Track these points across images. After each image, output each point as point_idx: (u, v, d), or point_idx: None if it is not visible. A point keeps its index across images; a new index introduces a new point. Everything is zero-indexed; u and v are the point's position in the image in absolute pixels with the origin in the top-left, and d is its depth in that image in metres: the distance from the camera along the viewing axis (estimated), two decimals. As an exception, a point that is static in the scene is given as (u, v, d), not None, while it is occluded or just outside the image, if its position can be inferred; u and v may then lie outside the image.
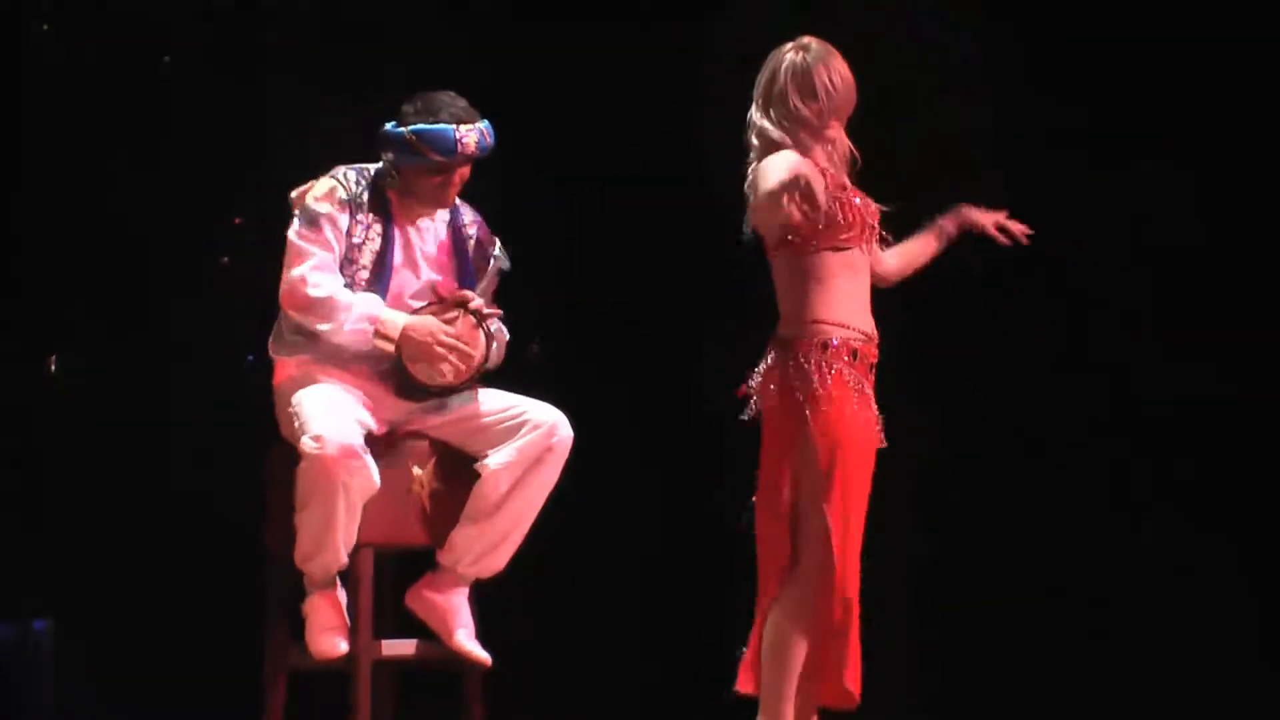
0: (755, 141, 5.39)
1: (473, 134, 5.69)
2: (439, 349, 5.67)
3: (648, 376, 7.53)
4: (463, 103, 5.72)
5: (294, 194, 5.75)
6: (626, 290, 7.56)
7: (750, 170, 5.34)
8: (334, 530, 5.52)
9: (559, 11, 7.49)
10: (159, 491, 7.14)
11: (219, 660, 6.80)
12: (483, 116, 5.73)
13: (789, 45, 5.42)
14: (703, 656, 7.40)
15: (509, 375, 5.94)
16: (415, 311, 5.72)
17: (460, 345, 5.69)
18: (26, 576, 6.84)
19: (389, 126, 5.72)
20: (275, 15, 7.31)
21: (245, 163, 7.05)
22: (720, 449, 7.45)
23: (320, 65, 7.27)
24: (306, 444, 5.49)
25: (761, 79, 5.41)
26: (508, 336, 5.94)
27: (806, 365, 5.28)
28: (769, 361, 5.36)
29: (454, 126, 5.67)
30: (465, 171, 5.76)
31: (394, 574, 5.92)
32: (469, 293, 5.78)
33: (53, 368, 7.11)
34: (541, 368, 7.06)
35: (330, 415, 5.52)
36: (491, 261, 5.94)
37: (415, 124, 5.67)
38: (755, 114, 5.39)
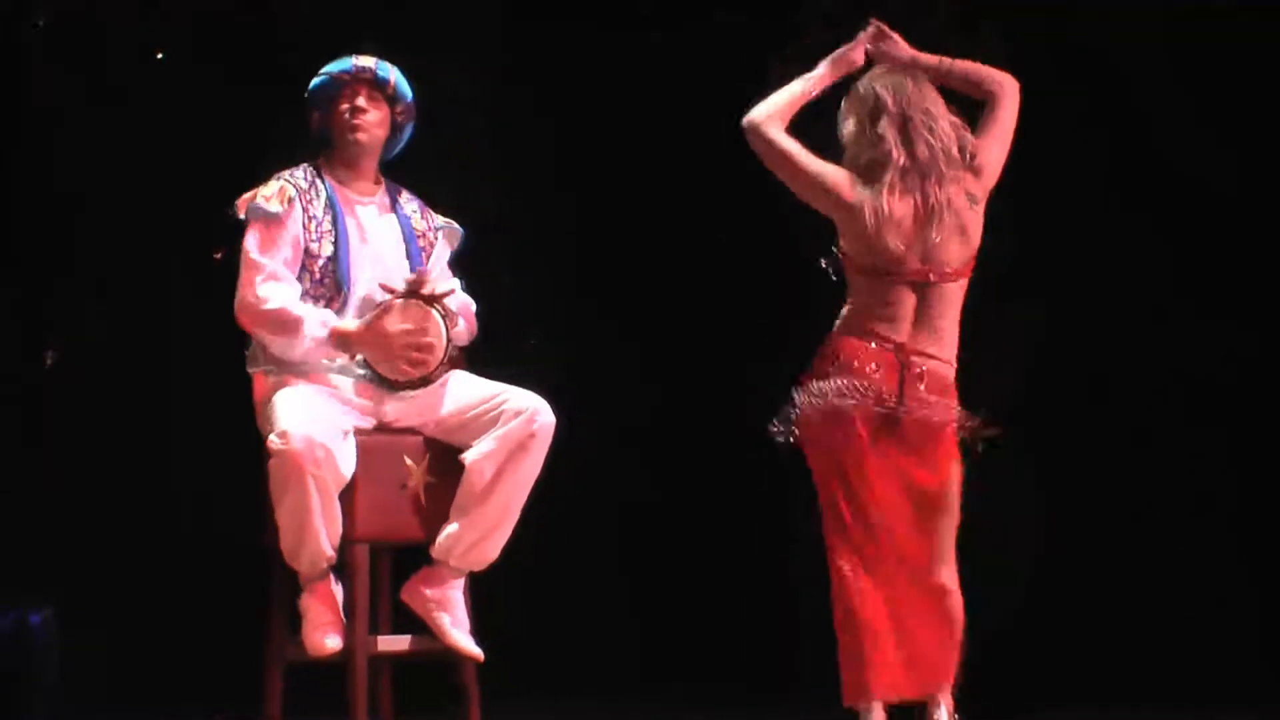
0: None
1: (369, 59, 5.82)
2: (396, 350, 5.68)
3: (643, 366, 7.55)
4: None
5: (239, 200, 5.77)
6: (627, 284, 7.59)
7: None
8: (311, 524, 5.53)
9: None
10: (161, 488, 7.17)
11: (220, 654, 6.83)
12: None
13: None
14: (695, 644, 7.50)
15: (504, 368, 5.95)
16: (369, 312, 5.72)
17: (415, 340, 5.69)
18: (26, 569, 6.86)
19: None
20: (272, 9, 7.32)
21: (241, 156, 7.05)
22: (714, 441, 7.54)
23: (315, 59, 7.26)
24: (272, 440, 5.53)
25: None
26: (474, 306, 5.95)
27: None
28: (942, 390, 5.36)
29: (352, 56, 5.82)
30: (376, 107, 5.81)
31: (393, 569, 5.94)
32: (416, 278, 5.76)
33: (49, 362, 7.12)
34: (538, 360, 7.06)
35: (298, 412, 5.54)
36: (439, 235, 5.95)
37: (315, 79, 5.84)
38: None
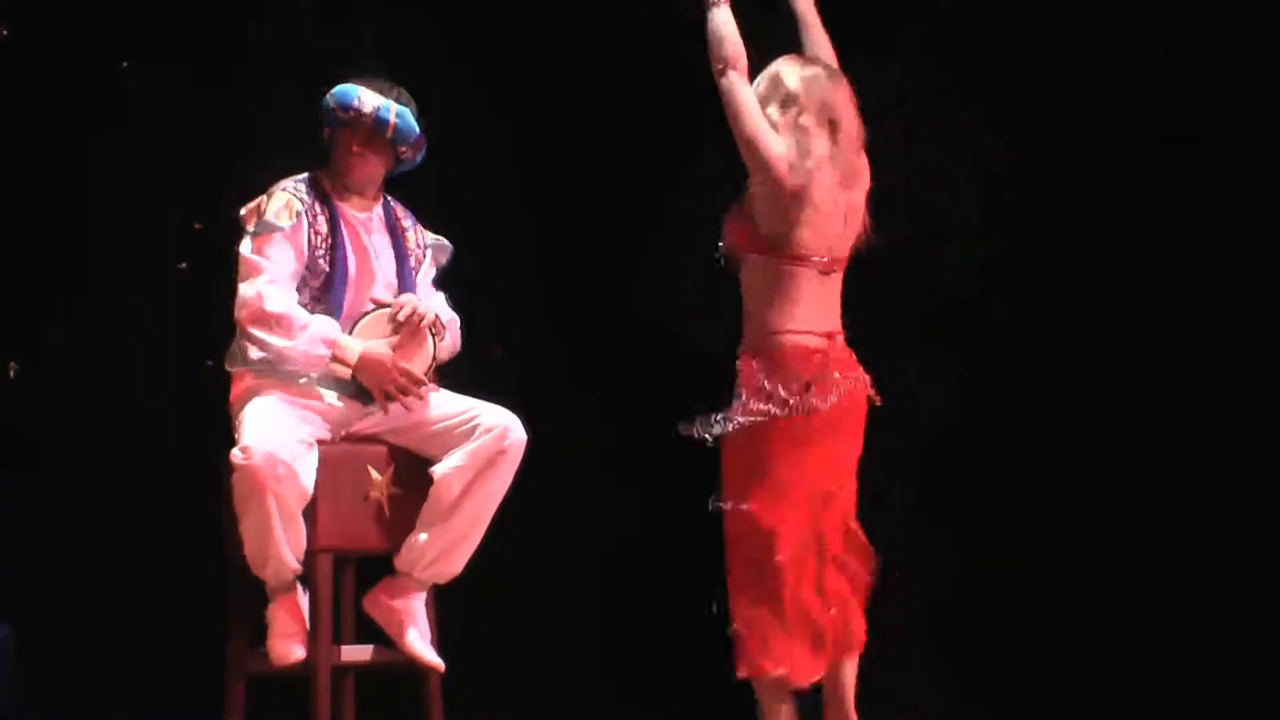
0: None
1: (375, 100, 5.73)
2: (394, 377, 5.68)
3: (609, 377, 7.54)
4: (396, 89, 5.78)
5: (244, 211, 5.75)
6: (590, 291, 7.58)
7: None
8: (273, 538, 5.53)
9: (536, 14, 7.52)
10: (119, 497, 7.15)
11: (181, 666, 6.81)
12: (422, 117, 5.78)
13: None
14: (660, 654, 7.49)
15: (470, 378, 5.95)
16: (359, 319, 5.73)
17: (411, 376, 5.69)
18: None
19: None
20: (238, 21, 7.31)
21: (206, 169, 7.06)
22: (680, 451, 7.52)
23: (282, 74, 7.28)
24: (234, 455, 5.53)
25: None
26: (458, 321, 5.96)
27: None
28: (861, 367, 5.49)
29: (359, 90, 5.74)
30: (374, 145, 5.76)
31: (358, 579, 5.93)
32: (410, 300, 5.77)
33: (12, 374, 7.11)
34: (503, 369, 7.06)
35: (264, 426, 5.54)
36: (428, 252, 5.95)
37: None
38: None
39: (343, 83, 5.77)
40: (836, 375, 5.38)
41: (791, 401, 5.35)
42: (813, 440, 5.37)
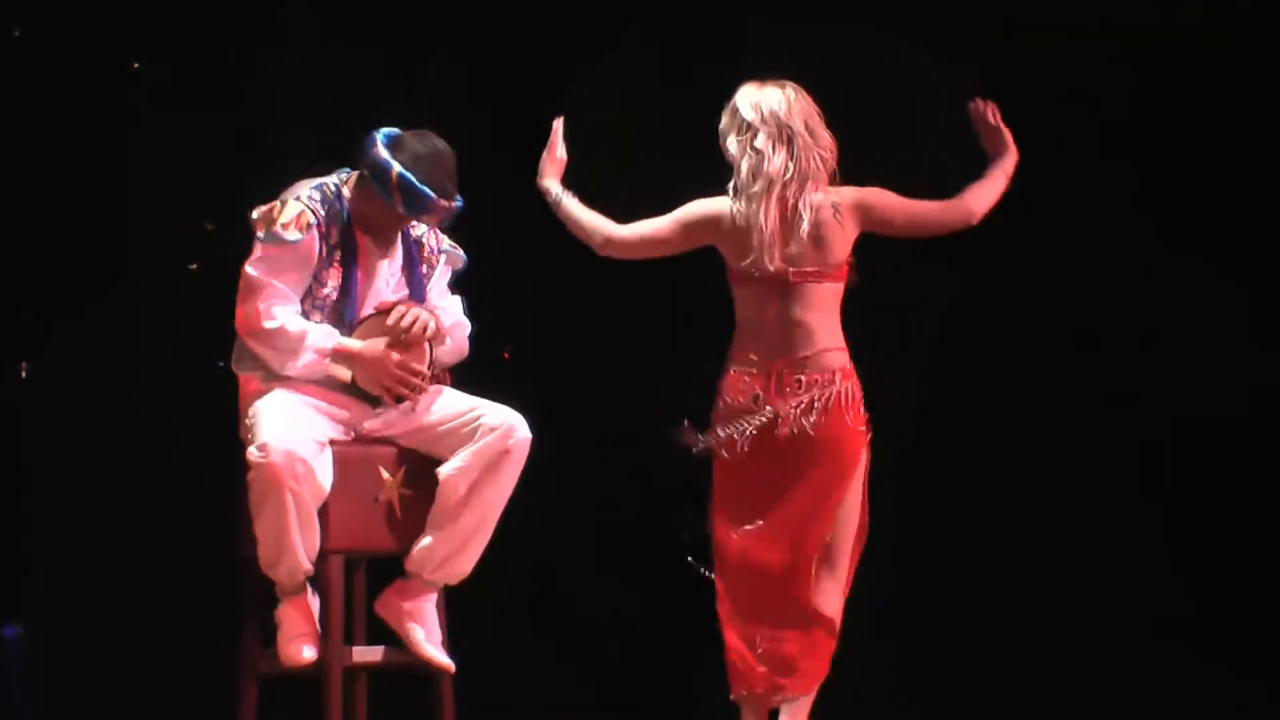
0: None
1: (443, 210, 5.65)
2: (392, 371, 5.69)
3: (617, 380, 7.56)
4: (452, 167, 5.66)
5: (256, 214, 5.68)
6: (598, 296, 7.59)
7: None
8: (289, 537, 5.55)
9: (542, 18, 7.52)
10: (131, 498, 7.17)
11: (192, 666, 6.83)
12: (458, 189, 5.69)
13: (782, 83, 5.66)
14: (670, 656, 7.52)
15: (478, 379, 5.96)
16: (359, 323, 5.73)
17: (409, 369, 5.70)
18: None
19: (381, 144, 5.62)
20: (251, 21, 7.33)
21: (218, 169, 7.07)
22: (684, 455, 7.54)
23: (294, 73, 7.29)
24: (252, 453, 5.54)
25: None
26: (469, 329, 5.95)
27: (857, 390, 5.59)
28: (833, 389, 5.53)
29: (434, 196, 5.61)
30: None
31: (369, 580, 5.94)
32: (407, 307, 5.74)
33: (24, 374, 7.13)
34: (512, 372, 7.07)
35: (279, 423, 5.54)
36: (442, 258, 5.94)
37: (405, 169, 5.59)
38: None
39: (408, 146, 5.62)
40: (774, 401, 5.53)
41: (717, 431, 5.60)
42: (739, 467, 5.58)
